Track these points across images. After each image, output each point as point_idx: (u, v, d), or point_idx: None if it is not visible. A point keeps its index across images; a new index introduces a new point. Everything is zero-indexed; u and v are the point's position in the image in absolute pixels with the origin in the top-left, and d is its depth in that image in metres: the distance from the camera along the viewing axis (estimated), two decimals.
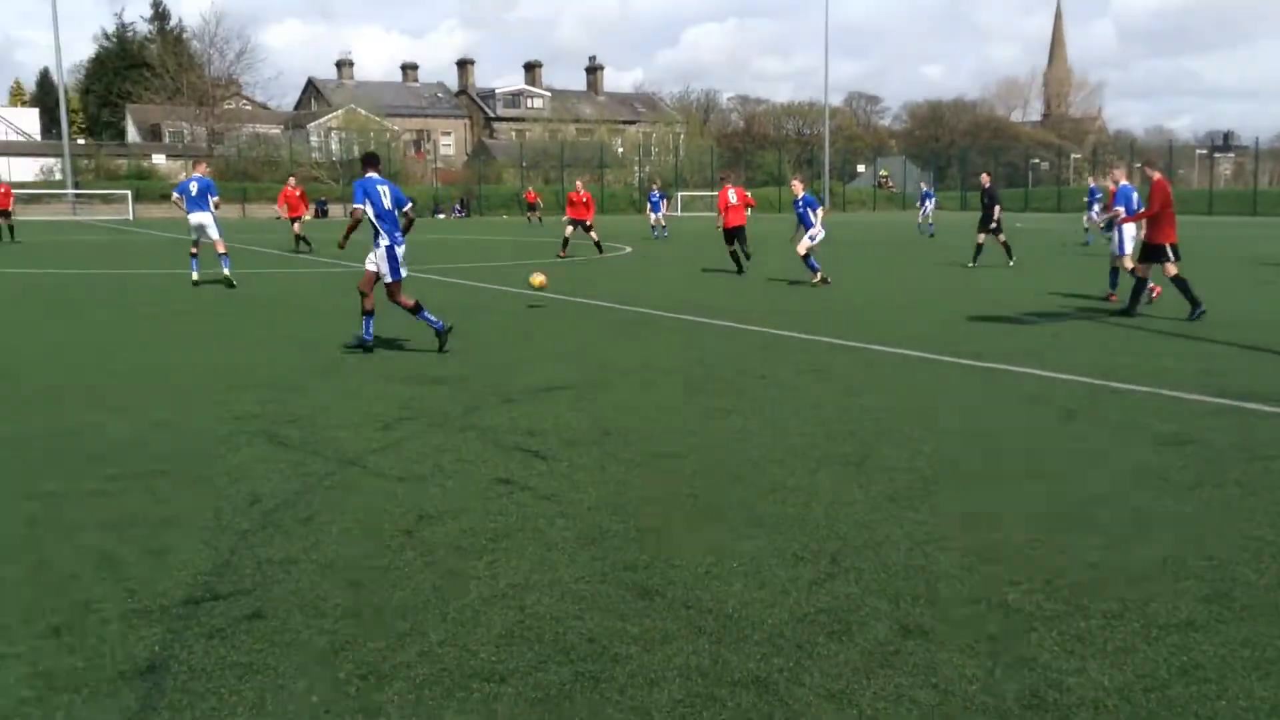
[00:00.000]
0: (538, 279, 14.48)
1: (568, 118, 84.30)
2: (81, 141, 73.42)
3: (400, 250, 10.31)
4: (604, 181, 70.81)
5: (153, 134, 77.40)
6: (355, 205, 10.24)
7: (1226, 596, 4.21)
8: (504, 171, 74.23)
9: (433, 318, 10.40)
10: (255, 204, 60.24)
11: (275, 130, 75.41)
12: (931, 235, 36.00)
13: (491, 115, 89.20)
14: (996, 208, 21.83)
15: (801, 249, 17.96)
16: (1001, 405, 8.00)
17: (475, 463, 6.25)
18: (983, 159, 74.93)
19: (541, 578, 4.41)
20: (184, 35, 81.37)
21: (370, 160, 10.63)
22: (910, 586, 4.31)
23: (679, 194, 66.09)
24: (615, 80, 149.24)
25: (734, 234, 20.82)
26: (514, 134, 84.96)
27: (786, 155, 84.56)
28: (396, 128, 78.53)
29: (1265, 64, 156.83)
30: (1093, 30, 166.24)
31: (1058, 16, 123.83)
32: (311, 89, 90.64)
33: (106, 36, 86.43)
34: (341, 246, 10.48)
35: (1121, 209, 14.61)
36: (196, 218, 17.17)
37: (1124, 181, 15.01)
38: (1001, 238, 21.84)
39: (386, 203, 10.25)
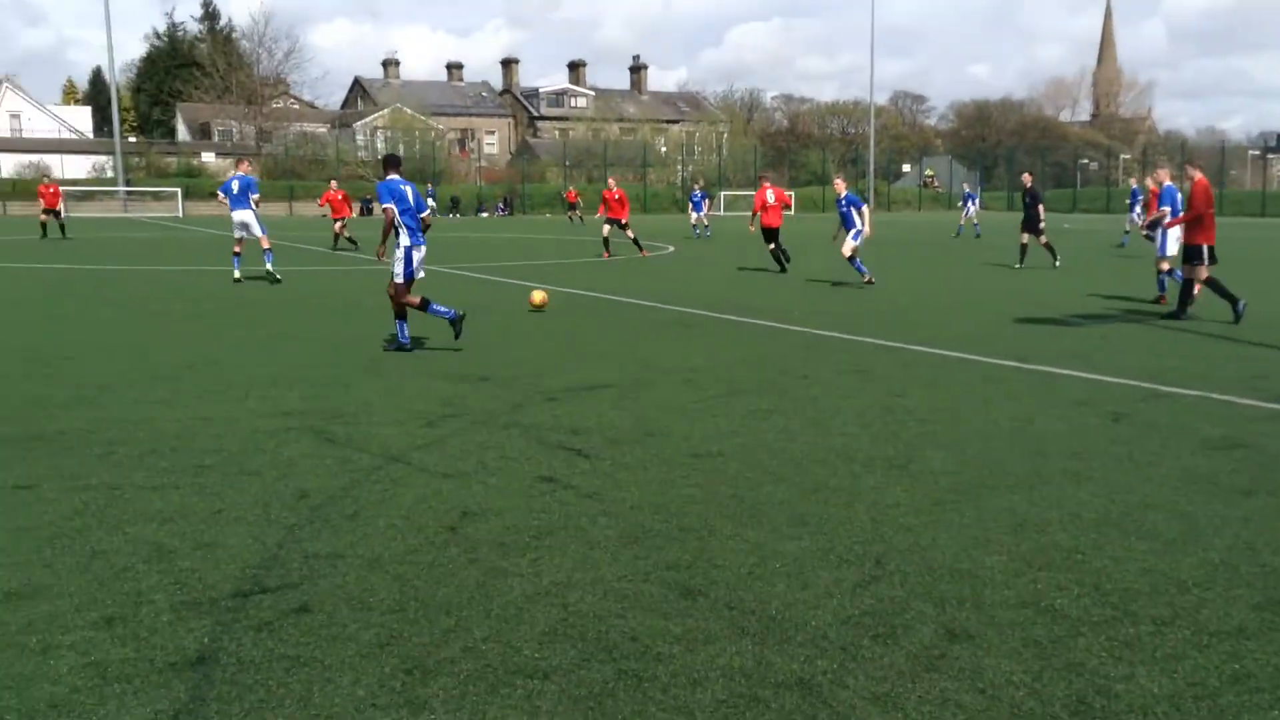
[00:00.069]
0: (538, 297, 13.93)
1: (611, 117, 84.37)
2: (133, 139, 74.56)
3: (418, 254, 10.35)
4: (647, 181, 70.85)
5: (202, 132, 78.52)
6: (385, 205, 10.27)
7: (1279, 604, 4.13)
8: (547, 170, 74.40)
9: (442, 309, 10.42)
10: (301, 201, 60.90)
11: (322, 129, 76.13)
12: (978, 236, 35.59)
13: (535, 114, 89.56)
14: (1040, 207, 21.55)
15: (847, 250, 17.78)
16: (1048, 408, 7.90)
17: (519, 460, 6.28)
18: (1029, 159, 74.15)
19: (584, 576, 4.43)
20: (233, 35, 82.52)
21: (392, 162, 10.65)
22: (955, 590, 4.28)
23: (722, 193, 65.87)
24: (659, 80, 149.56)
25: (773, 234, 20.78)
26: (557, 133, 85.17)
27: (831, 155, 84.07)
28: (441, 127, 79.03)
29: None
30: (1142, 30, 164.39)
31: (1107, 16, 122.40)
32: (358, 88, 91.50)
33: (158, 36, 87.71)
34: (380, 256, 10.39)
35: (1168, 209, 14.39)
36: (239, 215, 17.63)
37: (1168, 182, 14.78)
38: (1043, 239, 21.56)
39: (409, 203, 10.33)
